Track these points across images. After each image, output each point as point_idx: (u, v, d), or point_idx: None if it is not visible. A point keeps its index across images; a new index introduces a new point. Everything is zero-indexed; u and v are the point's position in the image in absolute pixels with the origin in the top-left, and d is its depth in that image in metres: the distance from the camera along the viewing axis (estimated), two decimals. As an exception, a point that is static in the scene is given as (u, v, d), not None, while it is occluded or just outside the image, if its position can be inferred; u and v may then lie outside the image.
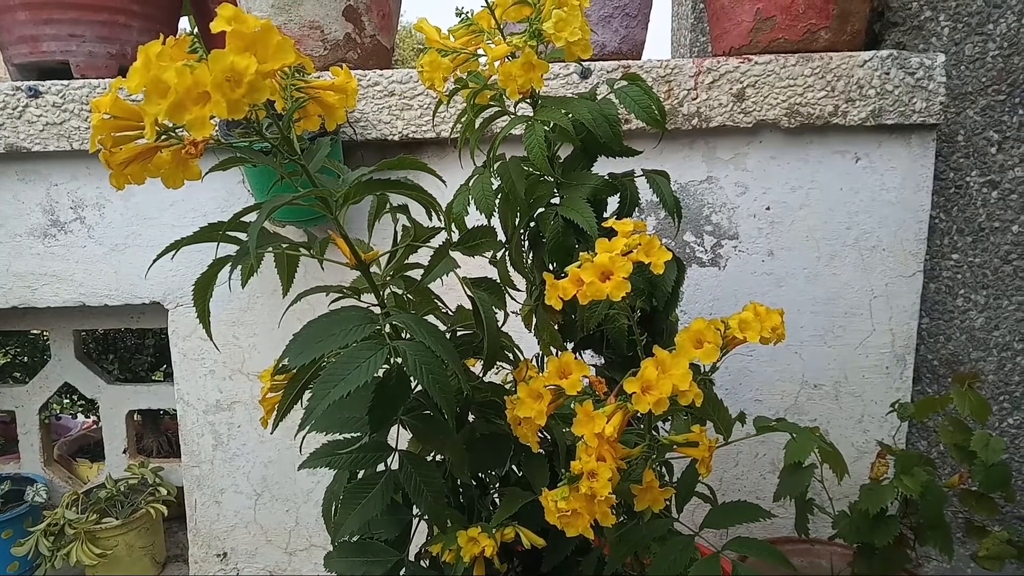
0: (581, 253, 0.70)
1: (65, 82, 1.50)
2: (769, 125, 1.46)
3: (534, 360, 1.05)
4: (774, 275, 1.52)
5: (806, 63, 1.42)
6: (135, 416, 1.93)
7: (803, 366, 1.55)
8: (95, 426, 2.27)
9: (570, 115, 0.89)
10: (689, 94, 1.44)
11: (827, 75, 1.42)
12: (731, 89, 1.44)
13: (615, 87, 0.95)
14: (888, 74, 1.41)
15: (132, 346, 2.15)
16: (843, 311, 1.52)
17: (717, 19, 1.55)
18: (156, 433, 2.09)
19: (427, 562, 0.91)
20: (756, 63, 1.43)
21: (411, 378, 0.70)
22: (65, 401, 2.30)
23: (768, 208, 1.50)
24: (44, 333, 2.17)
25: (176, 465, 1.79)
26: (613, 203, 1.00)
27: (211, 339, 0.81)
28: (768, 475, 1.59)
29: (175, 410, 1.68)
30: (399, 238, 0.83)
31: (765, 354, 1.53)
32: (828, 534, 1.34)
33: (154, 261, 0.77)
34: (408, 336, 0.71)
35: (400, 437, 0.84)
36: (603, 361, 1.03)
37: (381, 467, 0.80)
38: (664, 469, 0.88)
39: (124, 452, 1.83)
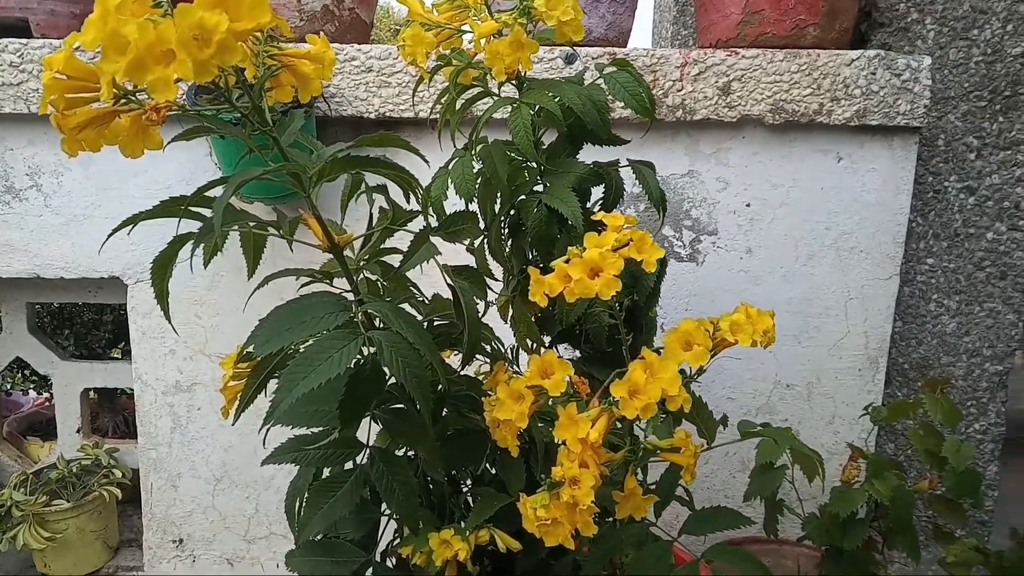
0: (569, 248, 0.66)
1: (24, 41, 1.42)
2: (753, 120, 1.44)
3: (509, 352, 1.02)
4: (751, 273, 1.50)
5: (793, 59, 1.40)
6: (90, 394, 1.85)
7: (777, 365, 1.53)
8: (47, 403, 2.18)
9: (558, 99, 0.85)
10: (674, 85, 1.41)
11: (814, 72, 1.40)
12: (717, 82, 1.41)
13: (604, 72, 0.91)
14: (875, 74, 1.39)
15: (89, 321, 2.07)
16: (818, 311, 1.51)
17: (705, 10, 1.52)
18: (112, 413, 2.02)
19: (394, 561, 0.87)
20: (743, 56, 1.40)
21: (385, 370, 0.66)
22: (16, 376, 2.21)
23: (748, 205, 1.48)
24: (-5, 305, 2.08)
25: (132, 447, 1.73)
26: (596, 193, 0.97)
27: (169, 322, 0.77)
28: (738, 474, 1.58)
29: (132, 389, 1.62)
30: (375, 220, 0.79)
31: (739, 352, 1.52)
32: (796, 534, 1.33)
33: (110, 235, 0.72)
34: (383, 325, 0.67)
35: (369, 431, 0.80)
36: (579, 355, 1.00)
37: (349, 463, 0.76)
38: (639, 471, 0.86)
39: (78, 431, 1.76)
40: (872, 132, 1.44)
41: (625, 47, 1.56)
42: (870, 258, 1.48)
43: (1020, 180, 1.52)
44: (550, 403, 0.73)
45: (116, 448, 1.74)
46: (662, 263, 0.91)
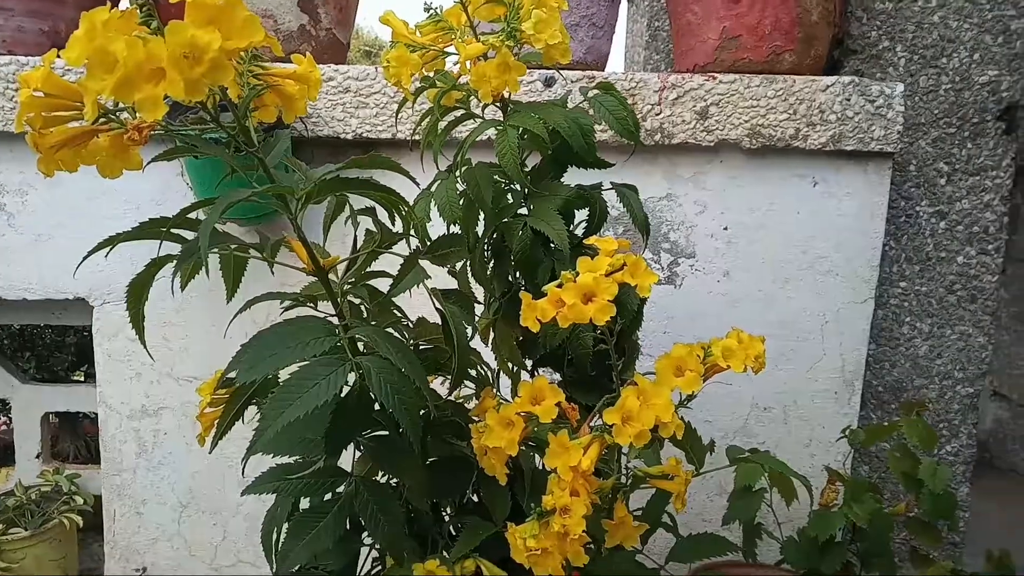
0: (562, 272, 0.65)
1: (-11, 56, 1.38)
2: (731, 145, 1.45)
3: (491, 377, 1.00)
4: (729, 296, 1.51)
5: (769, 84, 1.41)
6: (51, 418, 1.79)
7: (754, 389, 1.54)
8: (6, 427, 2.11)
9: (544, 122, 0.85)
10: (653, 109, 1.42)
11: (790, 98, 1.42)
12: (695, 106, 1.42)
13: (588, 96, 0.91)
14: (849, 100, 1.42)
15: (51, 343, 2.01)
16: (795, 335, 1.52)
17: (682, 35, 1.53)
18: (74, 437, 1.96)
19: (374, 592, 0.85)
20: (721, 81, 1.41)
21: (373, 397, 0.64)
22: (-27, 399, 2.13)
23: (726, 228, 1.49)
24: (-48, 326, 2.01)
25: (95, 472, 1.67)
26: (578, 216, 0.97)
27: (145, 347, 0.74)
28: (715, 497, 1.57)
29: (96, 413, 1.57)
30: (360, 243, 0.77)
31: (720, 376, 1.52)
32: (774, 558, 1.33)
33: (85, 257, 0.69)
34: (370, 351, 0.65)
35: (354, 458, 0.77)
36: (559, 379, 0.98)
37: (329, 494, 0.73)
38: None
39: (37, 457, 1.70)
40: (847, 157, 1.46)
41: (603, 71, 1.57)
42: (846, 281, 1.50)
43: (988, 205, 1.56)
44: (536, 430, 0.72)
45: (78, 474, 1.68)
46: (648, 287, 0.91)
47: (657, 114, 1.42)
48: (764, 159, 1.47)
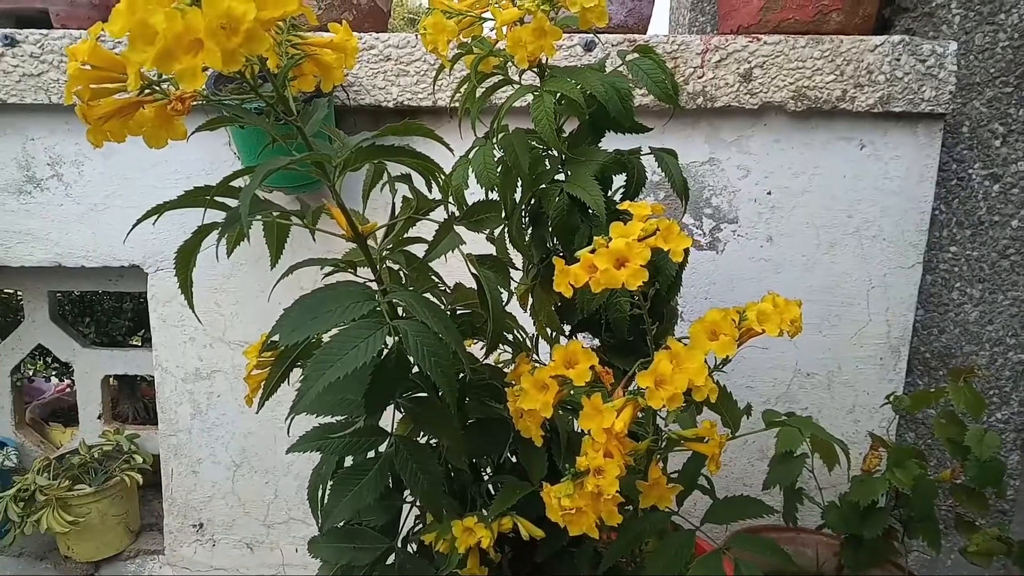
0: (595, 238, 0.66)
1: (44, 32, 1.42)
2: (775, 107, 1.42)
3: (528, 341, 1.01)
4: (772, 261, 1.49)
5: (816, 45, 1.38)
6: (111, 381, 1.87)
7: (797, 354, 1.52)
8: (69, 390, 2.21)
9: (580, 87, 0.85)
10: (695, 72, 1.40)
11: (837, 58, 1.38)
12: (738, 69, 1.40)
13: (626, 59, 0.90)
14: (899, 60, 1.37)
15: (109, 309, 2.08)
16: (840, 300, 1.50)
17: (726, -5, 1.50)
18: (132, 399, 2.04)
19: (415, 548, 0.88)
20: (765, 43, 1.38)
21: (410, 359, 0.66)
22: (39, 363, 2.23)
23: (770, 193, 1.47)
24: (17, 293, 2.10)
25: (152, 433, 1.74)
26: (616, 181, 0.97)
27: (193, 311, 0.77)
28: (756, 462, 1.57)
29: (152, 376, 1.63)
30: (398, 210, 0.78)
31: (759, 340, 1.50)
32: (814, 523, 1.33)
33: (135, 225, 0.71)
34: (407, 315, 0.67)
35: (393, 419, 0.80)
36: (598, 344, 0.99)
37: (371, 452, 0.76)
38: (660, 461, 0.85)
39: (99, 418, 1.78)
40: (896, 119, 1.42)
41: (645, 34, 1.54)
42: (892, 246, 1.47)
43: (1046, 167, 1.50)
44: (572, 393, 0.73)
45: (137, 434, 1.76)
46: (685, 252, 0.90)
47: (700, 77, 1.40)
48: (809, 122, 1.44)
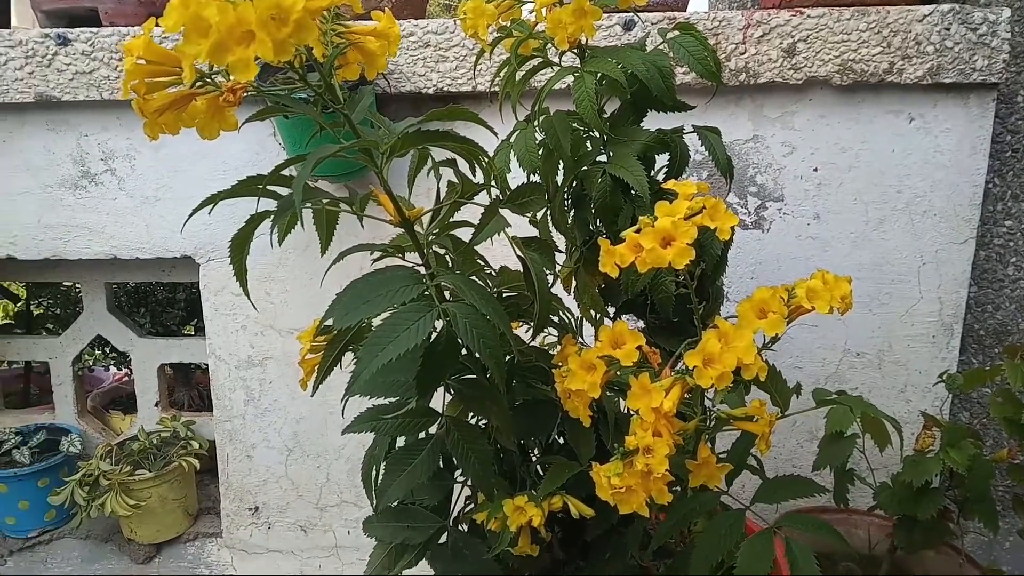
0: (641, 217, 0.66)
1: (94, 30, 1.46)
2: (820, 82, 1.39)
3: (573, 324, 1.02)
4: (819, 239, 1.47)
5: (861, 17, 1.35)
6: (167, 369, 1.93)
7: (846, 333, 1.50)
8: (127, 378, 2.28)
9: (621, 66, 0.84)
10: (737, 48, 1.38)
11: (883, 30, 1.35)
12: (781, 44, 1.37)
13: (667, 37, 0.90)
14: (948, 29, 1.34)
15: (163, 300, 2.14)
16: (890, 278, 1.47)
17: (768, -31, 1.47)
18: (188, 387, 2.10)
19: (466, 527, 0.89)
20: (809, 16, 1.36)
21: (459, 341, 0.67)
22: (97, 353, 2.31)
23: (816, 169, 1.44)
24: (76, 285, 2.17)
25: (208, 419, 1.80)
26: (659, 161, 0.96)
27: (248, 296, 0.79)
28: (805, 443, 1.55)
29: (206, 364, 1.68)
30: (443, 195, 0.79)
31: (807, 320, 1.48)
32: (865, 505, 1.31)
33: (191, 215, 0.74)
34: (454, 298, 0.68)
35: (443, 401, 0.81)
36: (643, 326, 0.99)
37: (423, 433, 0.77)
38: (709, 440, 0.85)
39: (156, 405, 1.84)
40: (946, 90, 1.38)
41: (685, 11, 1.52)
42: (944, 221, 1.43)
43: (1107, 136, 1.45)
44: (619, 373, 0.73)
45: (192, 420, 1.81)
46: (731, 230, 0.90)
47: (742, 53, 1.38)
48: (855, 96, 1.41)
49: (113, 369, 2.44)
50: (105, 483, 1.64)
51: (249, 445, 1.68)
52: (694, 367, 0.63)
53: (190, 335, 2.10)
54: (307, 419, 1.65)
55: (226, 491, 1.72)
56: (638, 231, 0.65)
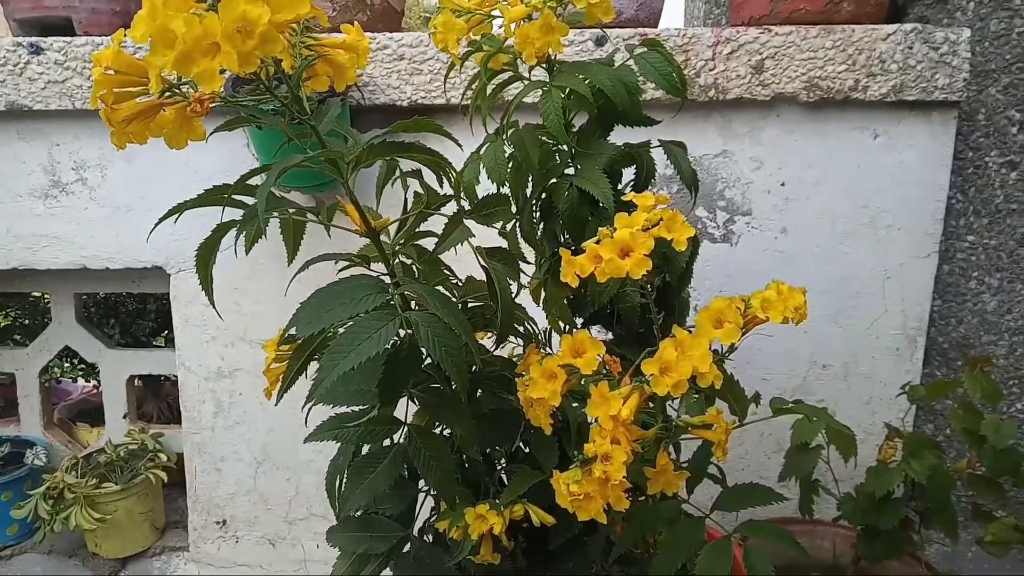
0: (600, 228, 0.67)
1: (67, 39, 1.46)
2: (787, 99, 1.42)
3: (542, 335, 1.03)
4: (787, 253, 1.49)
5: (827, 35, 1.38)
6: (136, 381, 1.91)
7: (812, 346, 1.53)
8: (95, 390, 2.25)
9: (588, 81, 0.86)
10: (707, 64, 1.41)
11: (849, 48, 1.38)
12: (750, 60, 1.40)
13: (634, 53, 0.91)
14: (911, 48, 1.37)
15: (133, 311, 2.13)
16: (855, 291, 1.50)
17: (737, -12, 1.50)
18: (157, 399, 2.07)
19: (431, 536, 0.90)
20: (776, 34, 1.39)
21: (422, 350, 0.68)
22: (65, 365, 2.28)
23: (783, 184, 1.47)
24: (45, 295, 2.14)
25: (176, 431, 1.78)
26: (627, 175, 0.98)
27: (214, 307, 0.79)
28: (773, 455, 1.57)
29: (176, 376, 1.67)
30: (410, 205, 0.80)
31: (774, 332, 1.50)
32: (830, 515, 1.33)
33: (156, 225, 0.74)
34: (419, 307, 0.68)
35: (407, 410, 0.82)
36: (611, 337, 1.00)
37: (387, 441, 0.78)
38: (672, 448, 0.86)
39: (124, 417, 1.82)
40: (909, 107, 1.42)
41: (656, 27, 1.55)
42: (908, 236, 1.47)
43: (1064, 154, 1.49)
44: (582, 383, 0.74)
45: (161, 433, 1.80)
46: (694, 243, 0.91)
47: (711, 69, 1.41)
48: (822, 112, 1.44)
49: (81, 381, 2.41)
50: (70, 496, 1.61)
51: (218, 457, 1.67)
52: (651, 375, 0.64)
53: (160, 347, 2.08)
54: (277, 431, 1.64)
55: (194, 504, 1.70)
56: (598, 242, 0.67)
